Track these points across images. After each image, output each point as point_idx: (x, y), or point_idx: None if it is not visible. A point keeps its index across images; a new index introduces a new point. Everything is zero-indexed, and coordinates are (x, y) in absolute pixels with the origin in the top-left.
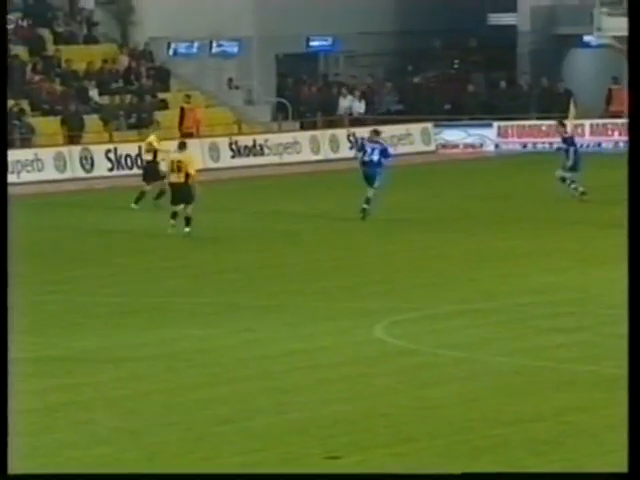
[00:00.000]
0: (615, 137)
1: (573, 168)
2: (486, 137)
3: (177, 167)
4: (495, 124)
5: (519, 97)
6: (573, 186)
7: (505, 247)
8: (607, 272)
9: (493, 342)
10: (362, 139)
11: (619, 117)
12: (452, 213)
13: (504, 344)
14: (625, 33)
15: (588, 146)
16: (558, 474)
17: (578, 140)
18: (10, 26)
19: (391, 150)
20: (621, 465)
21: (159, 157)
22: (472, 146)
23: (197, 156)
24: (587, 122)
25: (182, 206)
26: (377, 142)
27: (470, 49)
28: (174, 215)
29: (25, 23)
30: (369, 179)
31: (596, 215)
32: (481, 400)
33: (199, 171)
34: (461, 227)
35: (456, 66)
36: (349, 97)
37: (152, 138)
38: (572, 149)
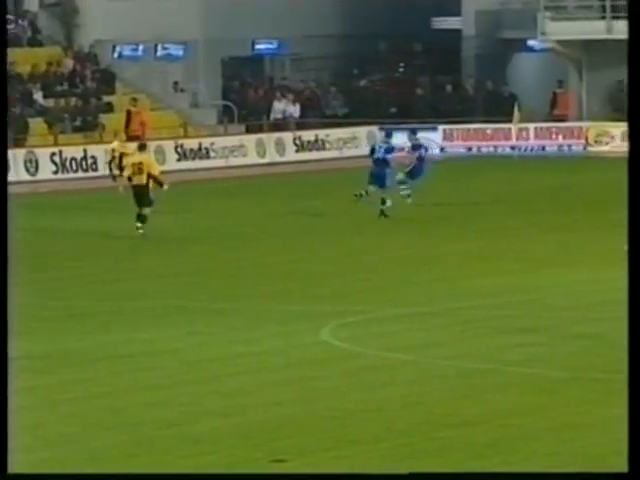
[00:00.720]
0: (559, 141)
1: (410, 175)
2: (431, 140)
3: (138, 169)
4: (440, 127)
5: (464, 101)
6: (405, 192)
7: (451, 250)
8: (552, 275)
9: (438, 345)
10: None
11: (563, 121)
12: (398, 216)
13: (449, 347)
14: (568, 37)
15: (532, 150)
16: (558, 474)
17: (522, 143)
18: None
19: (394, 148)
20: (559, 467)
21: (124, 162)
22: None
23: None
24: (531, 126)
25: (147, 209)
26: (386, 142)
27: (415, 53)
28: (140, 218)
29: None
30: (375, 177)
31: (541, 218)
32: (425, 403)
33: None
34: (407, 230)
35: (401, 70)
36: (284, 100)
37: (115, 144)
38: (415, 160)
